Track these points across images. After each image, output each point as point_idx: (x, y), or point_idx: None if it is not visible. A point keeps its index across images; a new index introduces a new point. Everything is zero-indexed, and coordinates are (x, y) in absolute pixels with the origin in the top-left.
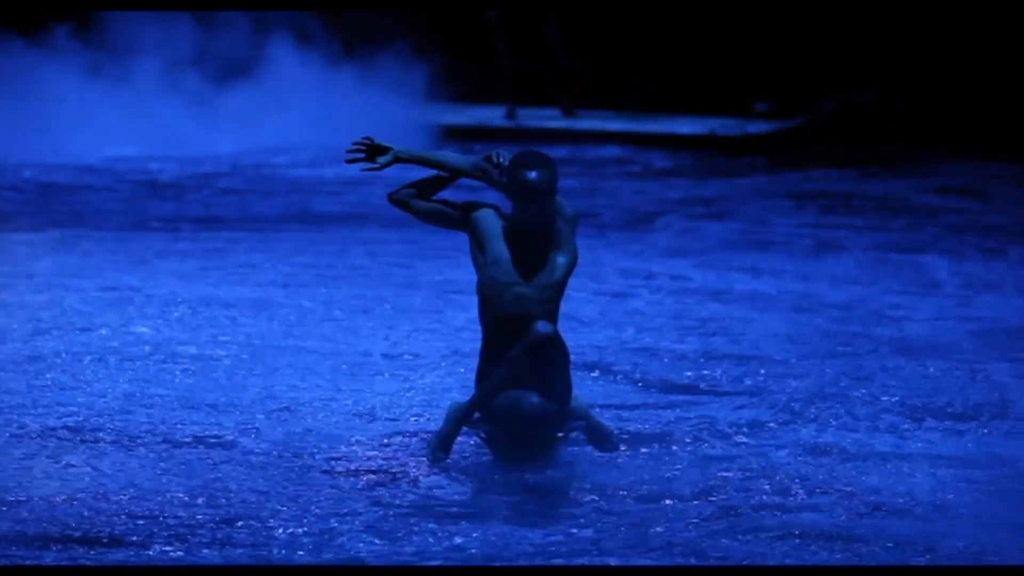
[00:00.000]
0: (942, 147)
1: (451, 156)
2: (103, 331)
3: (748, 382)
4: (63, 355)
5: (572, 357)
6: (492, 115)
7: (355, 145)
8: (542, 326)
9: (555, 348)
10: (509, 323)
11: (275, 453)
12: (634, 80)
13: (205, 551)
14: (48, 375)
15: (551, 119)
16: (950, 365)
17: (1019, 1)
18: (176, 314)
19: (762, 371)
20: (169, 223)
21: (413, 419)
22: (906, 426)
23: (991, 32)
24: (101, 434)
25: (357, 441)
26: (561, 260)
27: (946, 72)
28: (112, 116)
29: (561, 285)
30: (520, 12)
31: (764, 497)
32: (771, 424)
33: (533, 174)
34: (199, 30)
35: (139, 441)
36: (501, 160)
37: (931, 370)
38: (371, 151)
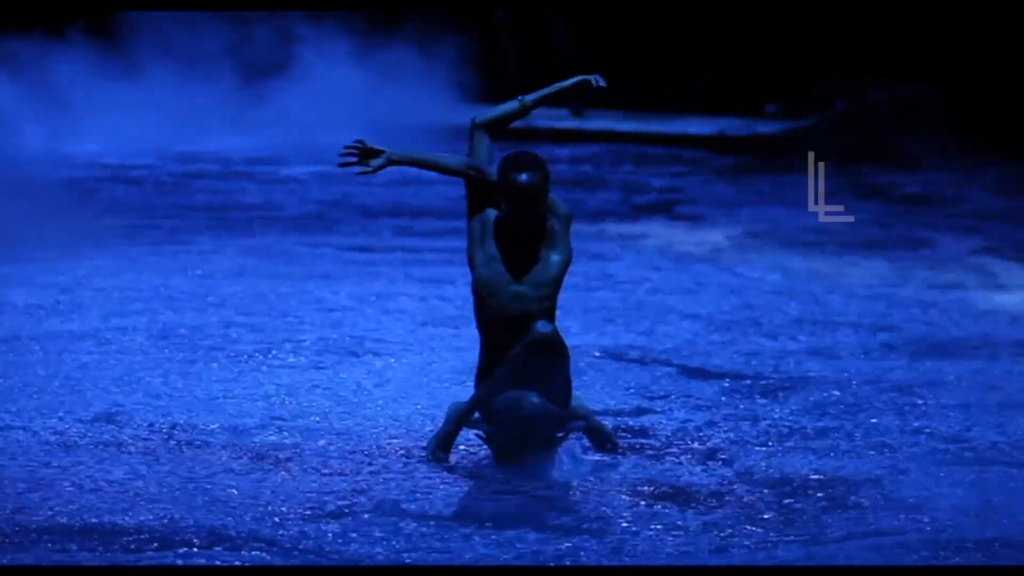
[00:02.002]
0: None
1: (444, 156)
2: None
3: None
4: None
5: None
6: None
7: (347, 149)
8: (542, 326)
9: (555, 348)
10: (505, 322)
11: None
12: (643, 81)
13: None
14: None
15: (560, 119)
16: None
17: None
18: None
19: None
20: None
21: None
22: None
23: (996, 31)
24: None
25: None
26: (555, 259)
27: (954, 71)
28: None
29: (556, 283)
30: (528, 13)
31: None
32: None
33: (523, 176)
34: (225, 28)
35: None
36: (600, 83)
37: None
38: (364, 154)
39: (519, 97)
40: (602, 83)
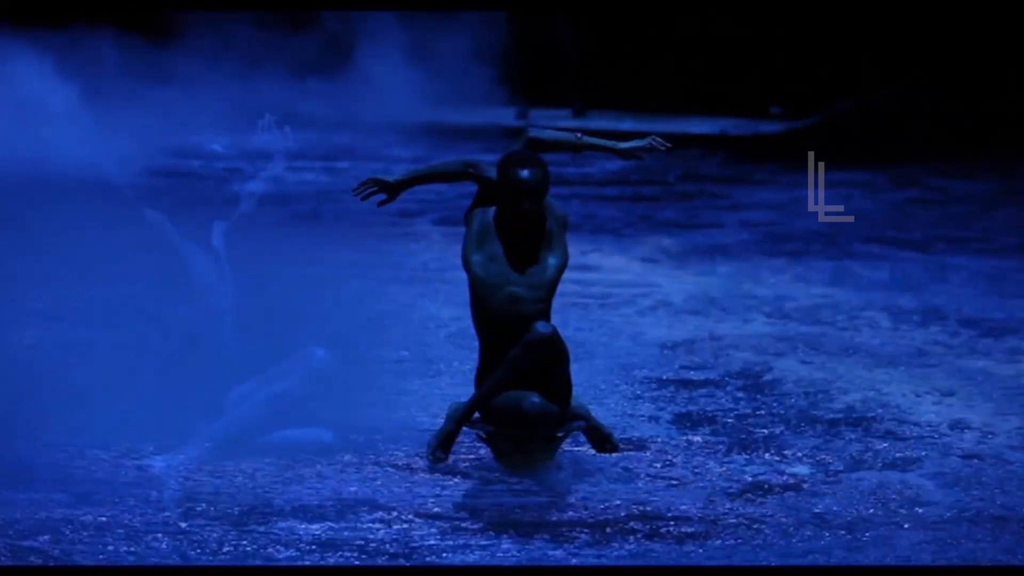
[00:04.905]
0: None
1: (441, 165)
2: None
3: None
4: None
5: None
6: (503, 115)
7: (363, 186)
8: (542, 326)
9: (555, 348)
10: (500, 323)
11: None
12: (646, 81)
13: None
14: None
15: (562, 119)
16: None
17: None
18: None
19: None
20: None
21: None
22: None
23: (996, 32)
24: None
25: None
26: (552, 261)
27: (955, 72)
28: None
29: (552, 285)
30: (531, 12)
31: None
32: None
33: (525, 172)
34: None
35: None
36: (664, 145)
37: None
38: (379, 186)
39: (579, 133)
40: (666, 144)
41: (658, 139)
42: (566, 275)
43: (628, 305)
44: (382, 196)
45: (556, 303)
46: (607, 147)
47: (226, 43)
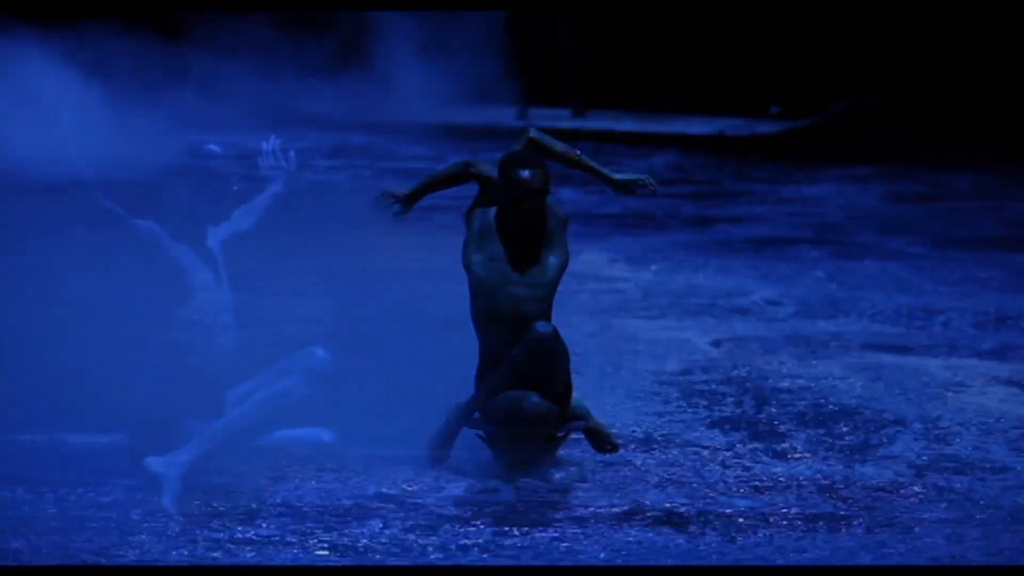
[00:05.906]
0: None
1: (442, 170)
2: None
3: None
4: None
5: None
6: (503, 115)
7: (383, 196)
8: (542, 326)
9: (555, 348)
10: (500, 322)
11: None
12: (646, 81)
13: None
14: None
15: (561, 119)
16: None
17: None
18: None
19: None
20: None
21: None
22: None
23: (994, 31)
24: None
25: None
26: (553, 261)
27: (951, 72)
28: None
29: (553, 285)
30: (531, 13)
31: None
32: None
33: (526, 173)
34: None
35: None
36: (653, 186)
37: None
38: (393, 199)
39: (580, 151)
40: (656, 187)
41: (651, 179)
42: (586, 272)
43: (640, 303)
44: (398, 207)
45: (564, 300)
46: (603, 174)
47: (233, 42)
